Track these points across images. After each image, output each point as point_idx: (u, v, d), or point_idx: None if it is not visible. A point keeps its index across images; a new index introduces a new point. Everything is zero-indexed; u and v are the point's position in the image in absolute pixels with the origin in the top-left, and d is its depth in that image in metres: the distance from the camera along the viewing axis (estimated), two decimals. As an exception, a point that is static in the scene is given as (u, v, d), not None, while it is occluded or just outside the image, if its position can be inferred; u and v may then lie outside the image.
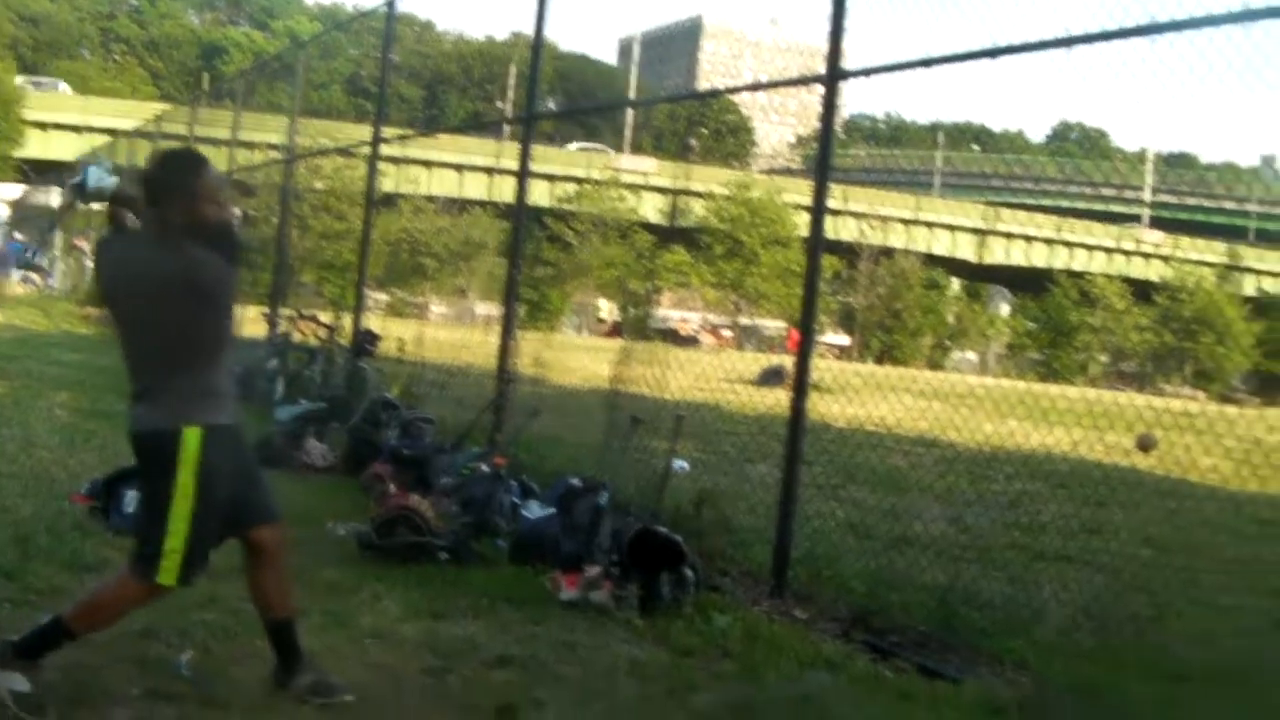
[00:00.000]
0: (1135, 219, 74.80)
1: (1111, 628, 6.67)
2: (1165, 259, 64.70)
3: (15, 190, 53.91)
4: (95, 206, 5.47)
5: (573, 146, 65.38)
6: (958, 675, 5.92)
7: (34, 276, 42.24)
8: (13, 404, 12.22)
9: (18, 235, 48.32)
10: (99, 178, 5.29)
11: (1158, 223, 73.34)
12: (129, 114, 48.30)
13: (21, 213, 51.99)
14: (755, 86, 13.03)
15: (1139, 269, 65.34)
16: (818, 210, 7.44)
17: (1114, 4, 5.93)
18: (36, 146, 57.17)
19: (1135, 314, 61.18)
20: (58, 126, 57.65)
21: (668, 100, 55.18)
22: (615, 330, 49.44)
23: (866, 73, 7.39)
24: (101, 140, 45.93)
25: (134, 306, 4.81)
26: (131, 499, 7.13)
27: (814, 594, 7.11)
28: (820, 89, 7.50)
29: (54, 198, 45.87)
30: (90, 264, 33.58)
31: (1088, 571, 8.18)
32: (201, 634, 5.57)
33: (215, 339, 4.82)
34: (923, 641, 6.43)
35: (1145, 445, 15.02)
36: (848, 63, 7.45)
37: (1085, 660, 6.08)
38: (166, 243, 4.70)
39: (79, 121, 56.78)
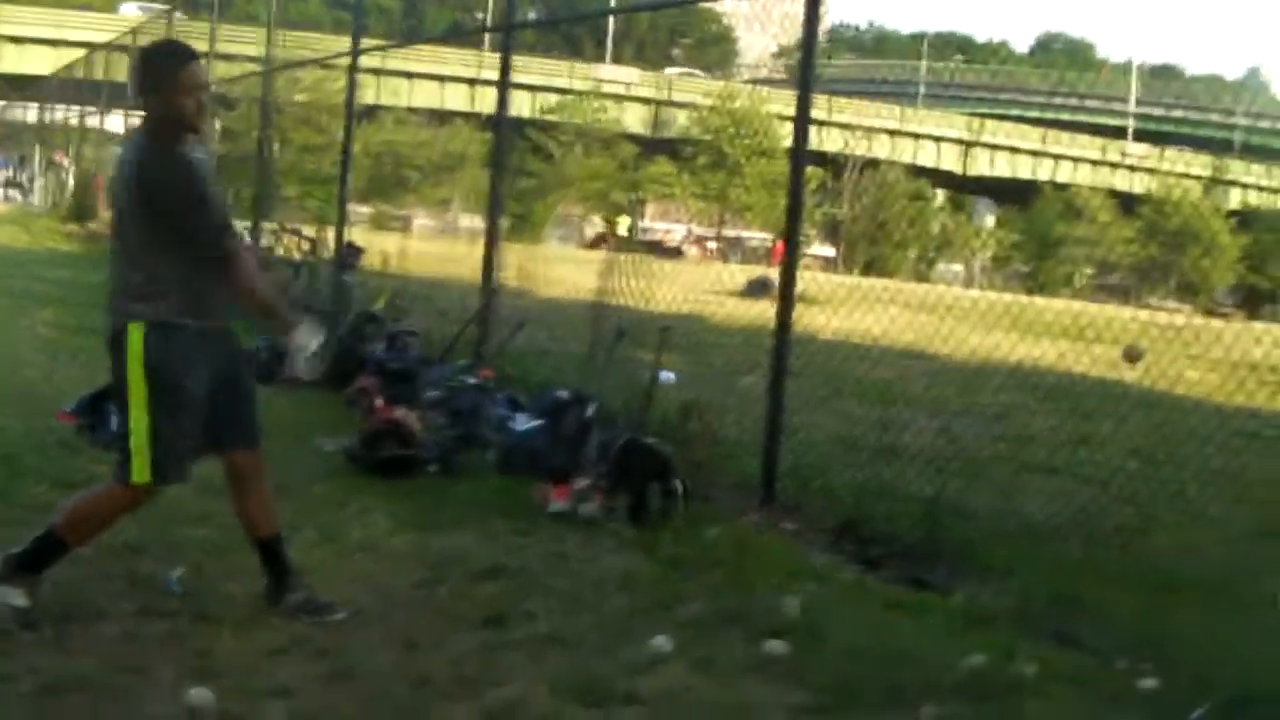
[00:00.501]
0: (1121, 131, 74.38)
1: (1098, 539, 6.70)
2: (1151, 171, 64.42)
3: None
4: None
5: (671, 71, 64.30)
6: (945, 586, 5.95)
7: (15, 193, 41.88)
8: (-3, 322, 12.16)
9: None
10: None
11: (1143, 135, 72.90)
12: (105, 27, 47.54)
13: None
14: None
15: (1124, 181, 65.11)
16: (801, 120, 7.36)
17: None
18: (11, 61, 56.29)
19: (1120, 226, 61.02)
20: (33, 41, 56.76)
21: (649, 8, 54.49)
22: (599, 242, 49.15)
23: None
24: (78, 54, 45.32)
25: (115, 205, 4.87)
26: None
27: (802, 505, 7.11)
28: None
29: (31, 113, 45.22)
30: (70, 180, 33.31)
31: (1075, 483, 8.20)
32: (193, 551, 5.57)
33: (167, 239, 4.67)
34: (910, 553, 6.45)
35: (1131, 357, 15.05)
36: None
37: (1072, 571, 6.10)
38: (156, 139, 4.68)
39: (54, 35, 55.86)
